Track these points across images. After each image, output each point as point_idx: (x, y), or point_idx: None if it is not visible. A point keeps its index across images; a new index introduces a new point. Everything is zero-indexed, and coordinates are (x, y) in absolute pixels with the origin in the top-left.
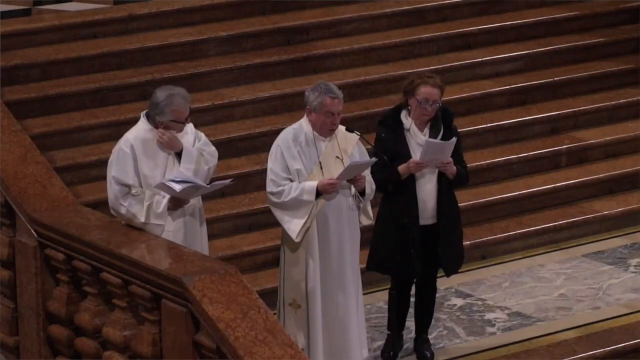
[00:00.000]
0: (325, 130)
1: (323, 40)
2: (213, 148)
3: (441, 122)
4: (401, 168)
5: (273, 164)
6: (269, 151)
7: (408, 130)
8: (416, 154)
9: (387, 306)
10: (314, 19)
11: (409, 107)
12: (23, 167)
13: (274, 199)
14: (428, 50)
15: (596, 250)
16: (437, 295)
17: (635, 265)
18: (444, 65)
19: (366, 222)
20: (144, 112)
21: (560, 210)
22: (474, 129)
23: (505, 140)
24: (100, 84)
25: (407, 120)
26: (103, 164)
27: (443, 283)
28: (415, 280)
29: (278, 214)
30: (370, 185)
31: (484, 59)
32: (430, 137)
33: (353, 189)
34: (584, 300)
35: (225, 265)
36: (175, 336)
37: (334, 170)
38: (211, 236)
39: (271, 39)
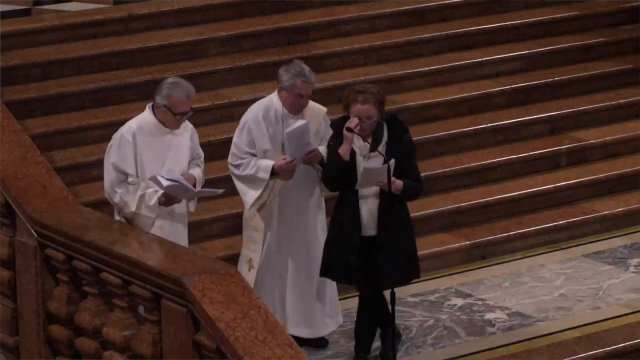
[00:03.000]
0: (294, 108)
1: (323, 40)
2: (201, 149)
3: (385, 132)
4: (341, 149)
5: (238, 138)
6: None
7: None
8: (359, 163)
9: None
10: (314, 19)
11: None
12: (23, 167)
13: (233, 170)
14: (428, 50)
15: (596, 250)
16: (437, 295)
17: (635, 265)
18: (444, 65)
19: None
20: (150, 104)
21: (560, 210)
22: (474, 129)
23: (505, 140)
24: (100, 84)
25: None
26: (103, 164)
27: (443, 283)
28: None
29: (236, 183)
30: (325, 155)
31: (484, 59)
32: (370, 146)
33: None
34: (584, 300)
35: (225, 265)
36: (175, 336)
37: None
38: (211, 236)
39: (271, 39)
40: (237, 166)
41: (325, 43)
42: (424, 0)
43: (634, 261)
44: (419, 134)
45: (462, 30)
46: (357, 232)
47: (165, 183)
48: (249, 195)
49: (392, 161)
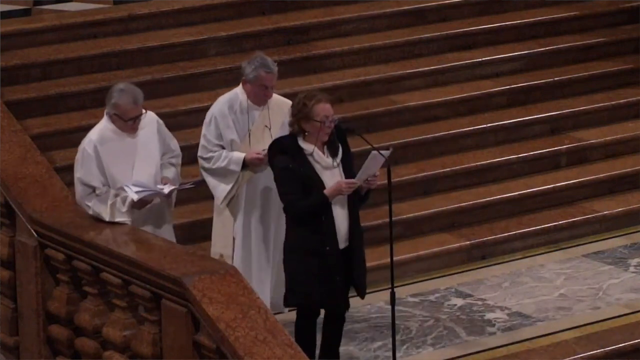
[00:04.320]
0: (259, 100)
1: (323, 40)
2: (175, 141)
3: (336, 138)
4: (328, 191)
5: (207, 131)
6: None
7: (311, 154)
8: (323, 177)
9: (387, 306)
10: (314, 19)
11: (306, 133)
12: (23, 167)
13: (204, 163)
14: (428, 50)
15: (596, 250)
16: (437, 295)
17: (635, 265)
18: (444, 65)
19: None
20: (107, 110)
21: (560, 210)
22: (474, 129)
23: (505, 140)
24: (100, 84)
25: (307, 145)
26: None
27: (443, 283)
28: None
29: (207, 178)
30: None
31: (484, 59)
32: (330, 155)
33: None
34: (584, 300)
35: (225, 265)
36: (175, 336)
37: (262, 140)
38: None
39: (271, 39)
40: (208, 159)
41: (325, 43)
42: (424, 0)
43: (634, 261)
44: (419, 134)
45: (462, 30)
46: (337, 249)
47: (135, 197)
48: (220, 189)
49: (390, 150)
